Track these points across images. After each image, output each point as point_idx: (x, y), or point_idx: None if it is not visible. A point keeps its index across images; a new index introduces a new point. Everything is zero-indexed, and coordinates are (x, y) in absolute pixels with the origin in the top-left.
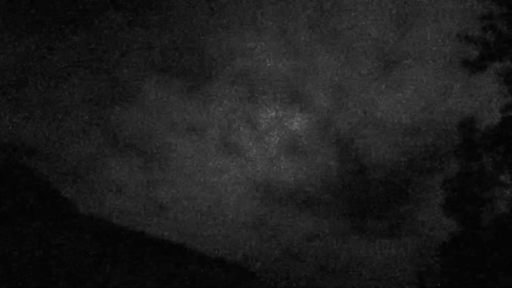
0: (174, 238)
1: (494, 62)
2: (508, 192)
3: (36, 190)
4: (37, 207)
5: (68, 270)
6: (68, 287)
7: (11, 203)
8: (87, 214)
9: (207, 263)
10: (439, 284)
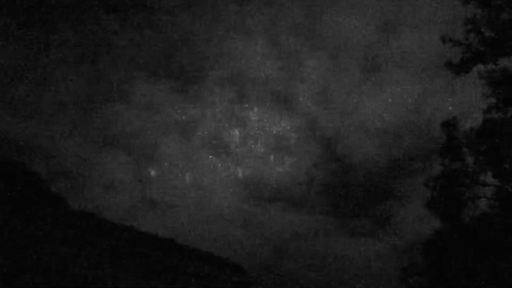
0: (163, 233)
1: (478, 65)
2: (489, 191)
3: (27, 187)
4: (28, 204)
5: (60, 267)
6: (60, 279)
7: (4, 197)
8: (78, 210)
9: (195, 258)
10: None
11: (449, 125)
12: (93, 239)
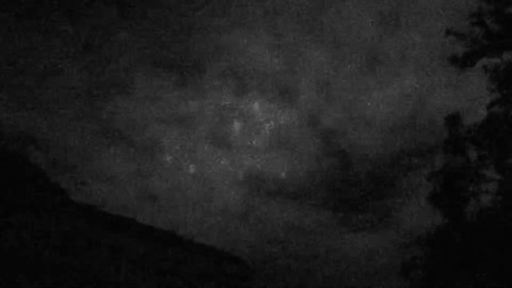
0: (164, 225)
1: (482, 59)
2: (492, 186)
3: (30, 178)
4: (31, 195)
5: (62, 256)
6: (62, 273)
7: (6, 190)
8: (80, 202)
9: (196, 250)
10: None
11: (452, 119)
12: (93, 232)
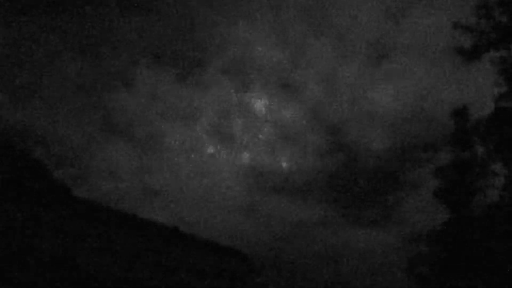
0: (166, 221)
1: (489, 51)
2: (499, 181)
3: (32, 173)
4: (33, 190)
5: (63, 252)
6: (64, 269)
7: (7, 184)
8: (81, 197)
9: (200, 246)
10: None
11: (459, 113)
12: (95, 228)
